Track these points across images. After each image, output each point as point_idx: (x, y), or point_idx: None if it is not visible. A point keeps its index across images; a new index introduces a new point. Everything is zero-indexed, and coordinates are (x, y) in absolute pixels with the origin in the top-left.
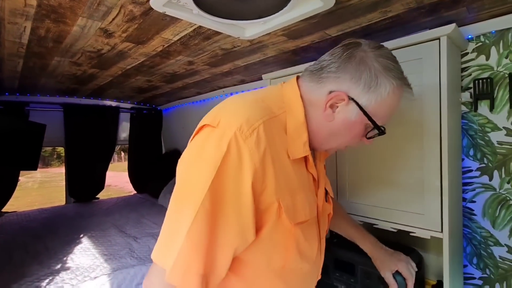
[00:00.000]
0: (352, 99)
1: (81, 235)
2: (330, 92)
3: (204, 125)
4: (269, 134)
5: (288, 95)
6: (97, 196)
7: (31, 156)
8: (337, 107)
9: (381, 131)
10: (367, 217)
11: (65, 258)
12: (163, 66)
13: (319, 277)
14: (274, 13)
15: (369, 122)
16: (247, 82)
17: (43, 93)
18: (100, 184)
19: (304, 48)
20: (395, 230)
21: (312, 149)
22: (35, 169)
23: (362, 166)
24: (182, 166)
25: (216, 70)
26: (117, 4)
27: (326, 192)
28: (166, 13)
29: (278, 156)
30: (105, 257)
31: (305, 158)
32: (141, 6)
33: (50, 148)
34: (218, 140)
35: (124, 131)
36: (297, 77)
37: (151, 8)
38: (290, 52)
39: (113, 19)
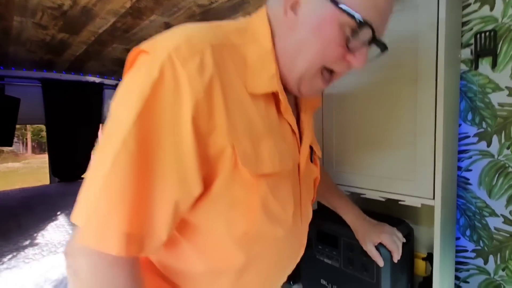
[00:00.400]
0: None
1: (58, 213)
2: None
3: (139, 51)
4: (219, 61)
5: (253, 22)
6: (83, 176)
7: (6, 132)
8: (299, 5)
9: (367, 26)
10: (354, 187)
11: (35, 235)
12: (138, 30)
13: (302, 251)
14: None
15: (343, 16)
16: None
17: (17, 65)
18: (85, 163)
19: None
20: (384, 199)
21: (288, 90)
22: (11, 145)
23: (350, 131)
24: (112, 105)
25: None
26: None
27: (312, 151)
28: None
29: (233, 91)
30: None
31: (276, 100)
32: None
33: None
34: (148, 65)
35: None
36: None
37: None
38: None
39: None
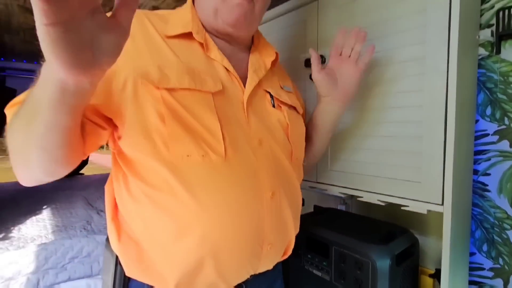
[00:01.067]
0: None
1: (44, 207)
2: None
3: None
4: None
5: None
6: (81, 172)
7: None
8: None
9: None
10: (350, 189)
11: (12, 228)
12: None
13: (272, 195)
14: None
15: None
16: None
17: (17, 57)
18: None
19: None
20: (383, 204)
21: (214, 31)
22: (1, 136)
23: (345, 122)
24: None
25: None
26: None
27: (273, 97)
28: None
29: (145, 36)
30: (55, 228)
31: (202, 45)
32: None
33: None
34: None
35: None
36: None
37: None
38: None
39: None
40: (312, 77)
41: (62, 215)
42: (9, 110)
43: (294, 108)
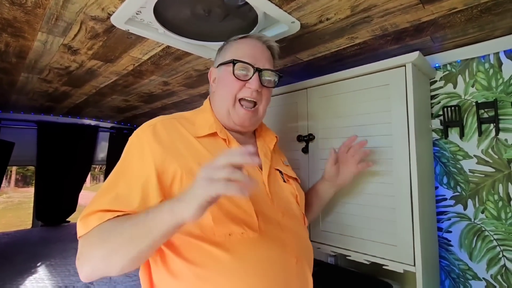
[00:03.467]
0: (217, 66)
1: (39, 264)
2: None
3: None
4: (169, 127)
5: (204, 105)
6: (67, 219)
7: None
8: (214, 77)
9: (239, 62)
10: (340, 248)
11: None
12: (138, 86)
13: (295, 265)
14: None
15: (232, 65)
16: None
17: (16, 110)
18: (71, 206)
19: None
20: (368, 263)
21: (230, 128)
22: None
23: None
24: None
25: (193, 91)
26: (77, 20)
27: (282, 174)
28: (130, 31)
29: (180, 138)
30: None
31: (225, 140)
32: (102, 23)
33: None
34: (130, 141)
35: (102, 151)
36: None
37: (113, 26)
38: None
39: (75, 35)
40: (325, 168)
41: (60, 273)
42: (90, 221)
43: (296, 179)
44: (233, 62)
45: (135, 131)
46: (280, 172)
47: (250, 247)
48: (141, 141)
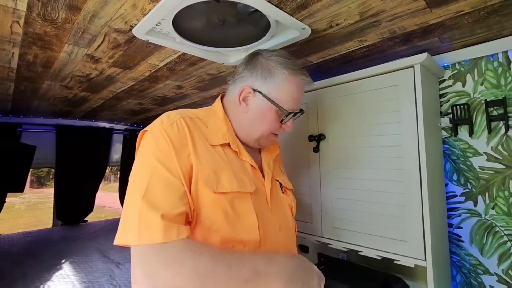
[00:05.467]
0: (256, 90)
1: (63, 261)
2: (240, 89)
3: (144, 131)
4: (189, 125)
5: (214, 106)
6: (85, 219)
7: (19, 178)
8: (248, 98)
9: (291, 114)
10: (351, 244)
11: (42, 286)
12: (153, 90)
13: None
14: (254, 42)
15: (276, 108)
16: None
17: (37, 114)
18: (89, 206)
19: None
20: (380, 258)
21: (245, 143)
22: (22, 191)
23: (345, 191)
24: (135, 161)
25: (205, 94)
26: (101, 32)
27: (281, 185)
28: (149, 41)
29: (198, 142)
30: (83, 285)
31: (235, 149)
32: (124, 34)
33: (46, 168)
34: (149, 137)
35: (116, 153)
36: (222, 95)
37: (134, 36)
38: None
39: (99, 46)
40: None
41: (84, 270)
42: (161, 229)
43: (291, 190)
44: (288, 113)
45: (156, 127)
46: (280, 183)
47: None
48: (167, 140)
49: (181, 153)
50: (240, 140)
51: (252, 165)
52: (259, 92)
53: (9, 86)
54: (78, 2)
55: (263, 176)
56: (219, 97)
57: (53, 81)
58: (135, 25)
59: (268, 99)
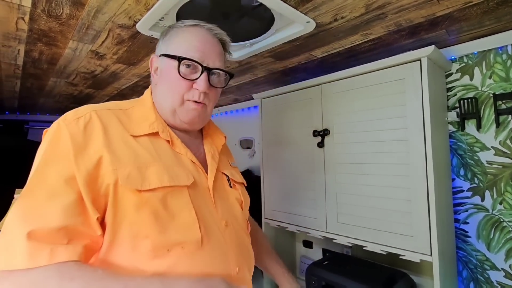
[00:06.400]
0: (159, 55)
1: None
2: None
3: (46, 131)
4: (103, 118)
5: (143, 95)
6: None
7: (27, 175)
8: (157, 68)
9: (187, 59)
10: (356, 239)
11: None
12: None
13: (239, 270)
14: (258, 36)
15: (177, 62)
16: (241, 101)
17: (43, 112)
18: None
19: (292, 69)
20: (385, 253)
21: (174, 126)
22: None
23: (350, 186)
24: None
25: None
26: (105, 28)
27: (228, 178)
28: (153, 36)
29: (116, 135)
30: None
31: (168, 141)
32: (128, 30)
33: None
34: (46, 136)
35: None
36: None
37: (138, 32)
38: (279, 73)
39: (103, 42)
40: None
41: None
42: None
43: (243, 184)
44: (178, 59)
45: (56, 123)
46: (227, 176)
47: (191, 263)
48: (65, 135)
49: (84, 152)
50: (171, 127)
51: (189, 158)
52: (161, 55)
53: (15, 83)
54: None
55: (206, 168)
56: (149, 87)
57: (58, 78)
58: (139, 20)
59: (165, 55)
